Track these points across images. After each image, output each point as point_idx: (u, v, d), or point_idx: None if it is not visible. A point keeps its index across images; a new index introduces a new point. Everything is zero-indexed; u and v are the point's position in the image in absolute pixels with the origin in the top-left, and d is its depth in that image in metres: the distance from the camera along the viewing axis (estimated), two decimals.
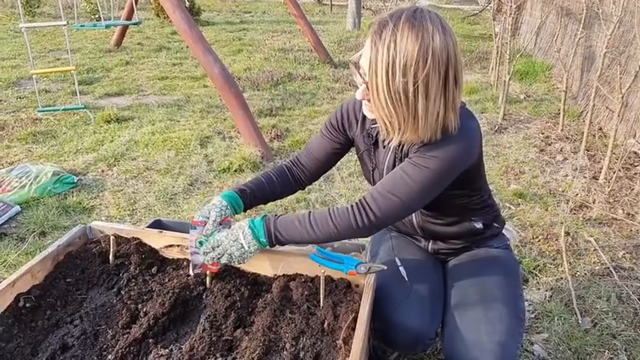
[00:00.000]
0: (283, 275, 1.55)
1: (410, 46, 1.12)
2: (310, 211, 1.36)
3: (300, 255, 1.55)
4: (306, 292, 1.45)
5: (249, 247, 1.33)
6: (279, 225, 1.34)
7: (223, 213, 1.43)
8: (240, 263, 1.36)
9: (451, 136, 1.26)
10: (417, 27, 1.12)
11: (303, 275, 1.54)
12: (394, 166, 1.44)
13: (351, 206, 1.31)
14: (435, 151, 1.26)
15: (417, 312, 1.44)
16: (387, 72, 1.14)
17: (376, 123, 1.44)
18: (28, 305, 1.38)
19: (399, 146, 1.41)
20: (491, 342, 1.32)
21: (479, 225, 1.56)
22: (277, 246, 1.38)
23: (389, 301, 1.47)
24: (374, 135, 1.48)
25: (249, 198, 1.52)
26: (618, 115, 3.20)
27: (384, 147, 1.47)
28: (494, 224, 1.62)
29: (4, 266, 2.36)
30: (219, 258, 1.36)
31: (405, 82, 1.14)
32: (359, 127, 1.53)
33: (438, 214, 1.54)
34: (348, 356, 1.19)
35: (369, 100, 1.25)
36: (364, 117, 1.51)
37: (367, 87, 1.21)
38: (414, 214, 1.58)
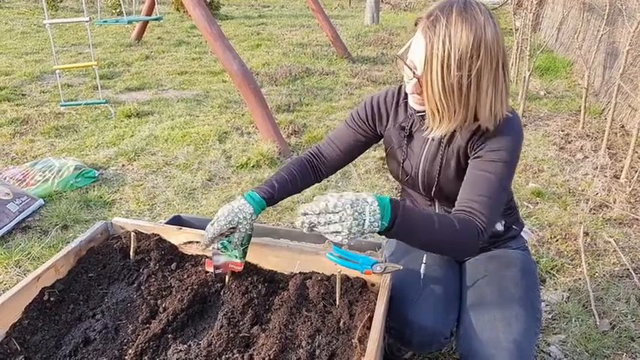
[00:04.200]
0: (300, 273, 1.57)
1: (464, 39, 1.13)
2: (434, 212, 1.36)
3: (317, 253, 1.57)
4: (322, 291, 1.47)
5: (369, 226, 1.13)
6: (405, 213, 1.18)
7: (247, 222, 1.41)
8: (340, 242, 1.15)
9: (502, 127, 1.30)
10: (469, 20, 1.14)
11: (319, 273, 1.55)
12: (435, 156, 1.44)
13: (464, 219, 1.26)
14: (497, 144, 1.30)
15: (432, 311, 1.45)
16: (443, 66, 1.15)
17: (411, 116, 1.46)
18: (52, 299, 1.42)
19: (442, 137, 1.40)
20: (508, 340, 1.32)
21: (500, 227, 1.56)
22: (383, 236, 1.22)
23: (404, 300, 1.48)
24: (408, 127, 1.48)
25: (273, 200, 1.50)
26: None
27: (424, 138, 1.45)
28: (514, 226, 1.62)
29: (28, 258, 2.42)
30: (319, 225, 1.14)
31: (459, 76, 1.16)
32: (391, 121, 1.52)
33: None
34: (364, 355, 1.21)
35: (419, 94, 1.26)
36: (397, 111, 1.51)
37: (419, 81, 1.22)
38: (436, 209, 1.59)
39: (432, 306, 1.46)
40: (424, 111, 1.32)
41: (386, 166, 3.48)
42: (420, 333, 1.45)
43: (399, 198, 1.79)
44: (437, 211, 1.58)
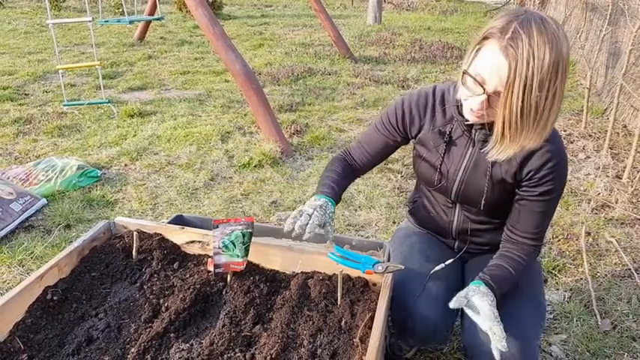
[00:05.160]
0: (301, 272, 1.58)
1: (547, 60, 1.09)
2: (506, 262, 1.40)
3: (319, 253, 1.58)
4: (323, 290, 1.48)
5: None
6: (500, 288, 1.35)
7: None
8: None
9: (558, 156, 1.34)
10: (550, 38, 1.09)
11: (321, 273, 1.56)
12: (476, 168, 1.43)
13: (527, 252, 1.43)
14: (557, 181, 1.36)
15: (435, 302, 1.47)
16: (525, 87, 1.10)
17: (450, 121, 1.44)
18: (55, 298, 1.43)
19: (483, 143, 1.39)
20: (514, 331, 1.34)
21: None
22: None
23: (408, 292, 1.50)
24: (448, 132, 1.45)
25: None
26: None
27: (464, 145, 1.44)
28: None
29: (31, 258, 2.43)
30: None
31: (538, 97, 1.12)
32: (427, 125, 1.49)
33: (487, 218, 1.55)
34: (365, 354, 1.21)
35: (483, 108, 1.21)
36: (433, 114, 1.48)
37: (489, 99, 1.18)
38: (455, 217, 1.60)
39: (435, 297, 1.48)
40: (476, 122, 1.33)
41: (388, 166, 3.49)
42: (423, 322, 1.46)
43: (412, 199, 1.80)
44: (457, 213, 1.59)
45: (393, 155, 3.62)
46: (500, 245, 1.49)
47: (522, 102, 1.12)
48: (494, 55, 1.14)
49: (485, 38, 1.17)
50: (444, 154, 1.48)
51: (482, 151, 1.40)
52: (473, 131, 1.41)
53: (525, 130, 1.17)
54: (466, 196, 1.49)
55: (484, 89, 1.18)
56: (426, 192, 1.67)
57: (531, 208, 1.40)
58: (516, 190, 1.42)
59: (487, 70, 1.16)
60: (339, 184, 1.52)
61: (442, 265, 1.55)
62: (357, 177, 1.67)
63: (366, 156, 1.61)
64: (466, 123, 1.40)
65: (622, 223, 2.81)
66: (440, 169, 1.50)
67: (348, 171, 1.61)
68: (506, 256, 1.42)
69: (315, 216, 1.33)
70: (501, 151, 1.24)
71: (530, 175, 1.36)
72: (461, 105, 1.36)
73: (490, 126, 1.35)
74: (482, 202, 1.46)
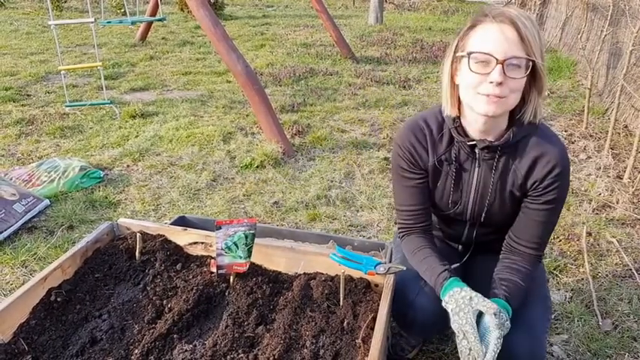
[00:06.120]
0: (304, 274, 1.58)
1: (531, 19, 1.24)
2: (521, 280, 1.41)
3: (321, 254, 1.58)
4: (326, 291, 1.49)
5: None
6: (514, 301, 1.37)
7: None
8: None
9: (563, 166, 1.35)
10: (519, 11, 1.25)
11: (323, 274, 1.57)
12: (486, 187, 1.43)
13: (529, 260, 1.44)
14: (562, 190, 1.38)
15: (436, 297, 1.47)
16: (537, 35, 1.23)
17: (449, 146, 1.43)
18: (59, 299, 1.44)
19: (493, 166, 1.41)
20: (522, 324, 1.36)
21: None
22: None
23: (409, 286, 1.50)
24: (454, 158, 1.43)
25: None
26: None
27: (471, 167, 1.44)
28: None
29: (35, 259, 2.44)
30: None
31: (542, 46, 1.25)
32: (431, 155, 1.46)
33: (496, 229, 1.55)
34: (367, 355, 1.22)
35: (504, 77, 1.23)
36: (434, 144, 1.45)
37: (504, 68, 1.21)
38: (465, 232, 1.60)
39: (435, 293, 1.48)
40: (473, 140, 1.37)
41: (389, 166, 3.49)
42: (422, 313, 1.47)
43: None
44: (467, 229, 1.58)
45: None
46: (502, 255, 1.48)
47: (541, 52, 1.22)
48: (490, 29, 1.23)
49: (470, 27, 1.27)
50: (454, 180, 1.46)
51: (488, 170, 1.42)
52: (477, 152, 1.40)
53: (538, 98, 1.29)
54: (479, 217, 1.49)
55: (496, 59, 1.20)
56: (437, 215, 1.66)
57: (534, 216, 1.41)
58: (523, 199, 1.43)
59: (490, 42, 1.22)
60: (441, 257, 1.47)
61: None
62: (431, 234, 1.59)
63: (420, 212, 1.52)
64: (469, 143, 1.39)
65: (623, 224, 2.81)
66: (452, 196, 1.49)
67: (430, 239, 1.54)
68: (513, 268, 1.42)
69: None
70: (532, 112, 1.33)
71: (535, 185, 1.37)
72: (454, 121, 1.39)
73: (496, 143, 1.36)
74: (482, 218, 1.48)
